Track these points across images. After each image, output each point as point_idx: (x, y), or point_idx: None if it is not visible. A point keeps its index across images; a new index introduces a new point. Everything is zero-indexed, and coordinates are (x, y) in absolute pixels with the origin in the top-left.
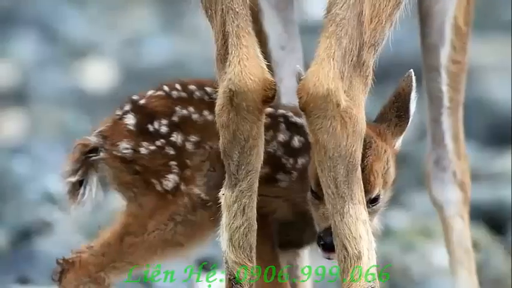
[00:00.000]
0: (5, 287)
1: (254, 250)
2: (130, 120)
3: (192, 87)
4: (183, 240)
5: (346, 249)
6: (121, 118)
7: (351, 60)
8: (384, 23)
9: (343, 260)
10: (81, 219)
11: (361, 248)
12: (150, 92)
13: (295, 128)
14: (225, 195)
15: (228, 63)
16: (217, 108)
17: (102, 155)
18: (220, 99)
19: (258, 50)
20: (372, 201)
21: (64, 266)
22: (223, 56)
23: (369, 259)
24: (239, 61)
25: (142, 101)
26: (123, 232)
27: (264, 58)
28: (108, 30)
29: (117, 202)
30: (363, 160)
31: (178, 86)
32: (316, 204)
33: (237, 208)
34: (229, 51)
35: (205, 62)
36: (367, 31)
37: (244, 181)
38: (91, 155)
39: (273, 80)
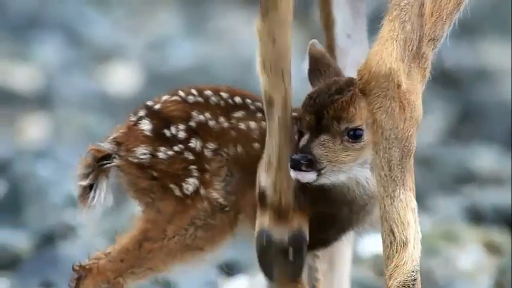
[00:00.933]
0: None
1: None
2: (146, 125)
3: (208, 92)
4: (203, 245)
5: (393, 234)
6: (136, 124)
7: (411, 50)
8: (444, 19)
9: (389, 245)
10: (104, 223)
11: (408, 234)
12: (165, 97)
13: None
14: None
15: None
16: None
17: (117, 162)
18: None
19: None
20: (353, 136)
21: (81, 272)
22: None
23: (414, 248)
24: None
25: (157, 106)
26: (141, 238)
27: (329, 43)
28: (132, 34)
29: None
30: (344, 91)
31: (194, 91)
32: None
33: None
34: None
35: (230, 65)
36: (428, 23)
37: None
38: (104, 162)
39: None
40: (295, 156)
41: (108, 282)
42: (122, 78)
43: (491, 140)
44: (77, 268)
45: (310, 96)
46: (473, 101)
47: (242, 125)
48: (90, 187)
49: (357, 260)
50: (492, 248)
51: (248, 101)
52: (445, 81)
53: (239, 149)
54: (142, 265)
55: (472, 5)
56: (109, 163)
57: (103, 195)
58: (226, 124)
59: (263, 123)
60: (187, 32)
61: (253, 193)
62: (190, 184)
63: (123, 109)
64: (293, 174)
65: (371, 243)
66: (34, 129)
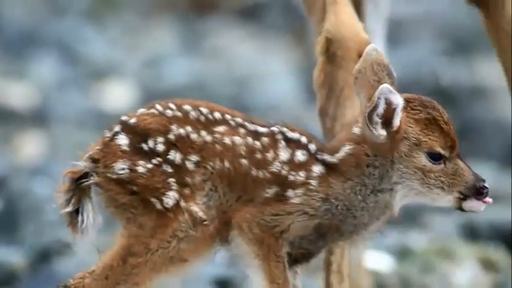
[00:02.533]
0: None
1: None
2: (122, 140)
3: (186, 107)
4: (187, 256)
5: None
6: (111, 140)
7: None
8: None
9: None
10: (99, 238)
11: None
12: (140, 110)
13: (294, 144)
14: None
15: (325, 19)
16: (314, 73)
17: (95, 179)
18: (318, 55)
19: (353, 13)
20: None
21: None
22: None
23: None
24: (335, 14)
25: (132, 120)
26: (125, 254)
27: None
28: (128, 52)
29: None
30: None
31: (172, 106)
32: None
33: None
34: (327, 10)
35: (226, 82)
36: None
37: None
38: (82, 181)
39: (367, 39)
40: (485, 185)
41: None
42: (118, 96)
43: (488, 157)
44: (63, 287)
45: (439, 119)
46: (469, 118)
47: (227, 140)
48: (77, 211)
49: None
50: (488, 265)
51: (228, 116)
52: (441, 98)
53: (226, 164)
54: (127, 281)
55: (467, 23)
56: (87, 181)
57: (91, 216)
58: (209, 138)
59: (248, 139)
60: (183, 50)
61: (238, 208)
62: (170, 198)
63: None
64: (479, 205)
65: (367, 260)
66: (30, 146)
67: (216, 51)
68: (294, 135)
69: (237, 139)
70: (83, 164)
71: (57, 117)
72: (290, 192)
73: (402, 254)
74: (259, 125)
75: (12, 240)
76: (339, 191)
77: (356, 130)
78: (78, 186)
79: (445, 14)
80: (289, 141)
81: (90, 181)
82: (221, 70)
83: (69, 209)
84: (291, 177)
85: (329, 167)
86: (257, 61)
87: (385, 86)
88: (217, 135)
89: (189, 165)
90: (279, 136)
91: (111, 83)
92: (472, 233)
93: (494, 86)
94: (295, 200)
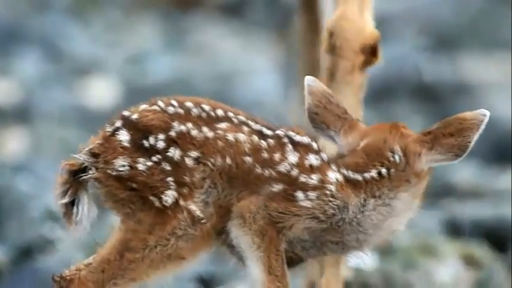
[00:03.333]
0: None
1: None
2: (123, 136)
3: (189, 104)
4: (186, 254)
5: None
6: (113, 135)
7: None
8: None
9: None
10: (83, 236)
11: None
12: (143, 107)
13: (303, 147)
14: None
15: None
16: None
17: (94, 173)
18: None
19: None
20: None
21: (62, 283)
22: None
23: None
24: (340, 10)
25: (134, 116)
26: (122, 248)
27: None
28: (111, 48)
29: (118, 218)
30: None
31: (174, 103)
32: None
33: None
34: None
35: (209, 79)
36: None
37: None
38: (81, 175)
39: (377, 33)
40: None
41: None
42: (101, 92)
43: (471, 154)
44: (58, 279)
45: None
46: (452, 115)
47: (230, 136)
48: (72, 203)
49: None
50: (471, 262)
51: (230, 114)
52: (425, 95)
53: (228, 160)
54: (124, 276)
55: (451, 20)
56: (86, 175)
57: (86, 208)
58: (210, 134)
59: (254, 137)
60: (167, 46)
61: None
62: (169, 196)
63: (103, 123)
64: None
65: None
66: (13, 143)
67: (199, 48)
68: (303, 139)
69: (241, 136)
70: (82, 158)
71: (40, 114)
72: (300, 194)
73: (385, 251)
74: (264, 126)
75: None
76: (358, 205)
77: (394, 158)
78: (76, 179)
79: (428, 10)
80: (296, 145)
81: (89, 175)
82: (204, 66)
83: (66, 200)
84: (303, 179)
85: (348, 179)
86: (240, 57)
87: None
88: (219, 132)
89: (189, 162)
90: (285, 140)
91: (94, 80)
92: (454, 230)
93: (478, 83)
94: (305, 203)
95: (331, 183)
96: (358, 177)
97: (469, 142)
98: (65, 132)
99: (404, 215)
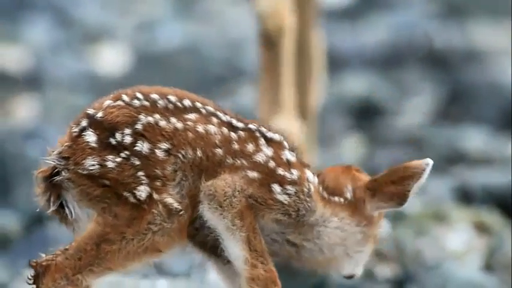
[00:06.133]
0: (18, 271)
1: None
2: (90, 137)
3: (154, 96)
4: (162, 247)
5: None
6: (79, 136)
7: None
8: None
9: None
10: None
11: None
12: (107, 103)
13: (275, 144)
14: None
15: None
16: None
17: (66, 175)
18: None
19: None
20: None
21: (38, 269)
22: None
23: None
24: None
25: (99, 115)
26: (99, 240)
27: None
28: (122, 15)
29: None
30: None
31: (139, 95)
32: None
33: None
34: None
35: (218, 45)
36: None
37: None
38: (55, 178)
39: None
40: None
41: (67, 279)
42: (111, 59)
43: (481, 121)
44: (34, 264)
45: None
46: (462, 81)
47: (200, 128)
48: (61, 205)
49: None
50: (481, 228)
51: (198, 104)
52: (434, 62)
53: (198, 152)
54: (101, 264)
55: None
56: (59, 177)
57: (76, 205)
58: (179, 125)
59: (223, 129)
60: (176, 13)
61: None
62: (142, 191)
63: (113, 90)
64: None
65: None
66: (23, 110)
67: (209, 15)
68: (275, 136)
69: (211, 128)
70: (53, 162)
71: (51, 81)
72: (276, 187)
73: (396, 218)
74: (234, 118)
75: (5, 203)
76: (322, 216)
77: (347, 194)
78: (52, 183)
79: None
80: (268, 140)
81: (62, 177)
82: (214, 33)
83: (54, 207)
84: (281, 172)
85: (318, 191)
86: (250, 24)
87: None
88: (189, 123)
89: (159, 154)
90: (258, 134)
91: (104, 46)
92: (465, 197)
93: (488, 49)
94: (282, 198)
95: (309, 182)
96: (325, 194)
97: (408, 191)
98: (75, 98)
99: (355, 252)
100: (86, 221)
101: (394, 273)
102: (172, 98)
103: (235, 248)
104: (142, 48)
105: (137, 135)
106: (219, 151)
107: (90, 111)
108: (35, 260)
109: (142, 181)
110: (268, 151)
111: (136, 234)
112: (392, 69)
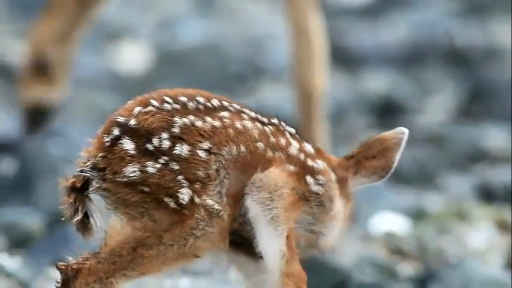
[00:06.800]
0: (40, 270)
1: None
2: (128, 145)
3: (182, 98)
4: (201, 253)
5: None
6: (114, 144)
7: None
8: None
9: None
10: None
11: None
12: (137, 109)
13: (295, 137)
14: None
15: None
16: None
17: (103, 185)
18: None
19: None
20: None
21: (68, 272)
22: None
23: None
24: None
25: (133, 122)
26: (136, 245)
27: None
28: (143, 12)
29: None
30: None
31: (168, 99)
32: None
33: None
34: None
35: (240, 44)
36: None
37: None
38: (89, 190)
39: None
40: None
41: (100, 282)
42: (132, 57)
43: (502, 118)
44: (63, 267)
45: None
46: (483, 79)
47: (238, 124)
48: (85, 215)
49: (369, 238)
50: (503, 226)
51: (225, 103)
52: (455, 60)
53: (242, 148)
54: (135, 269)
55: None
56: (93, 190)
57: (99, 215)
58: (217, 123)
59: (257, 124)
60: (197, 11)
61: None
62: (185, 194)
63: (134, 87)
64: None
65: (382, 222)
66: None
67: (230, 12)
68: (291, 129)
69: (247, 123)
70: (88, 174)
71: (72, 78)
72: (310, 179)
73: (418, 216)
74: (258, 114)
75: (27, 202)
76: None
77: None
78: (80, 193)
79: None
80: (291, 134)
81: (96, 187)
82: (235, 31)
83: (80, 216)
84: (310, 163)
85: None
86: (271, 22)
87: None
88: (226, 120)
89: (201, 154)
90: (281, 128)
91: (125, 44)
92: (487, 195)
93: (508, 47)
94: (316, 189)
95: (331, 171)
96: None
97: (392, 162)
98: (96, 96)
99: (336, 232)
100: (106, 228)
101: (416, 272)
102: (201, 99)
103: (274, 243)
104: (163, 46)
105: (175, 139)
106: (260, 145)
107: (120, 119)
108: (63, 263)
109: (183, 184)
110: (295, 143)
111: (176, 239)
112: (413, 67)
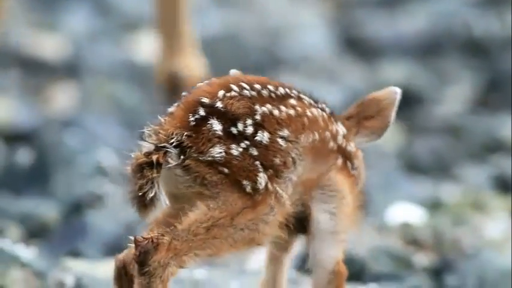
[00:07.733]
0: (57, 260)
1: None
2: (217, 126)
3: (257, 85)
4: (265, 240)
5: None
6: (201, 124)
7: None
8: None
9: None
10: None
11: None
12: (221, 93)
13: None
14: None
15: None
16: None
17: (182, 162)
18: None
19: None
20: None
21: (148, 246)
22: None
23: None
24: None
25: (220, 105)
26: (211, 225)
27: None
28: None
29: None
30: None
31: (245, 85)
32: None
33: None
34: None
35: (258, 34)
36: None
37: None
38: (165, 166)
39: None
40: None
41: (176, 259)
42: (150, 47)
43: None
44: (141, 241)
45: None
46: (501, 69)
47: (309, 112)
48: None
49: (384, 229)
50: None
51: (287, 90)
52: (473, 50)
53: (316, 136)
54: (205, 249)
55: None
56: (170, 165)
57: (163, 192)
58: (292, 111)
59: (319, 111)
60: (216, 1)
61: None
62: (262, 179)
63: (151, 78)
64: None
65: (398, 213)
66: (62, 98)
67: (248, 3)
68: (328, 108)
69: (315, 111)
70: (172, 151)
71: (89, 69)
72: (349, 164)
73: (434, 206)
74: (311, 99)
75: (44, 192)
76: None
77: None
78: (157, 170)
79: None
80: (331, 115)
81: (176, 163)
82: (253, 21)
83: (153, 192)
84: (348, 148)
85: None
86: (289, 12)
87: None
88: (298, 109)
89: (281, 142)
90: (328, 112)
91: (142, 34)
92: (504, 185)
93: None
94: (355, 173)
95: (358, 149)
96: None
97: (389, 122)
98: (113, 87)
99: None
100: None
101: (432, 262)
102: (271, 87)
103: (333, 251)
104: None
105: (257, 126)
106: (327, 133)
107: (205, 100)
108: (141, 237)
109: (260, 169)
110: (339, 129)
111: (248, 224)
112: (431, 58)
